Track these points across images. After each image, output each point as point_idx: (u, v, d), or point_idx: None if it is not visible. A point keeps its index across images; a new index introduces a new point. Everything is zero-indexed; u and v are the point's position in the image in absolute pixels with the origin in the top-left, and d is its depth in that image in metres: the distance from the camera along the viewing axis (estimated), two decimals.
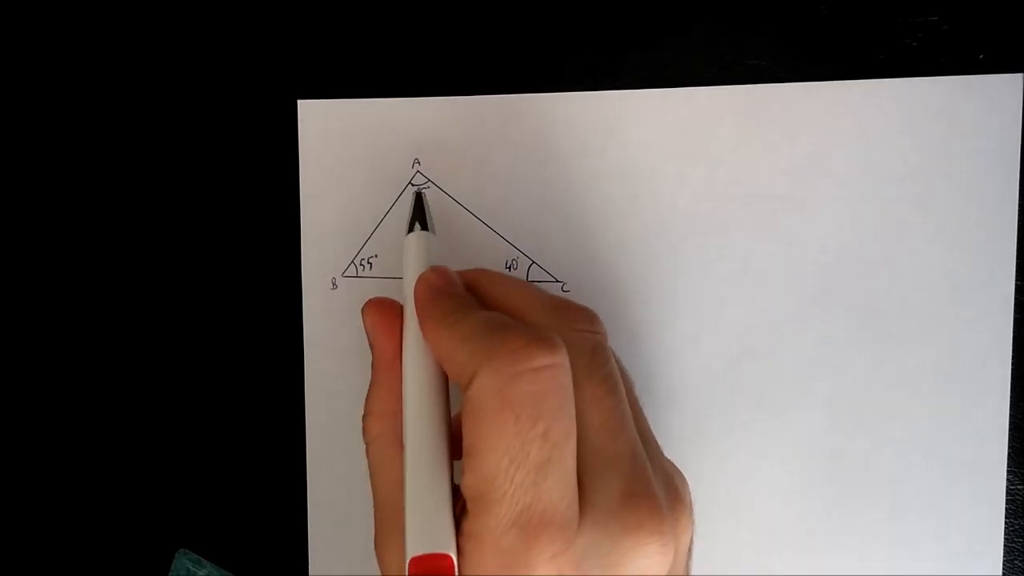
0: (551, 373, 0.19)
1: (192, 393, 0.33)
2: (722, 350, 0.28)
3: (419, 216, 0.25)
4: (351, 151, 0.30)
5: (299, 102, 0.31)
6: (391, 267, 0.30)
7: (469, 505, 0.19)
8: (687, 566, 0.22)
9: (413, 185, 0.29)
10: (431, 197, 0.30)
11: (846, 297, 0.27)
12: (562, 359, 0.19)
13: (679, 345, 0.28)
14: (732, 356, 0.28)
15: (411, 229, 0.25)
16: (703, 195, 0.28)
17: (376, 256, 0.30)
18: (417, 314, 0.22)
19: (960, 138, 0.26)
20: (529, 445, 0.18)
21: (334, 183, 0.31)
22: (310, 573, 0.31)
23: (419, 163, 0.30)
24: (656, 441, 0.23)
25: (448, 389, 0.22)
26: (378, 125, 0.30)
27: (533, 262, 0.29)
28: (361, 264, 0.31)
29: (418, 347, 0.22)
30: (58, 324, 0.34)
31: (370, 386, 0.23)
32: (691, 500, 0.22)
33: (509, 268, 0.29)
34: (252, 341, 0.32)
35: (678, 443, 0.28)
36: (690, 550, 0.22)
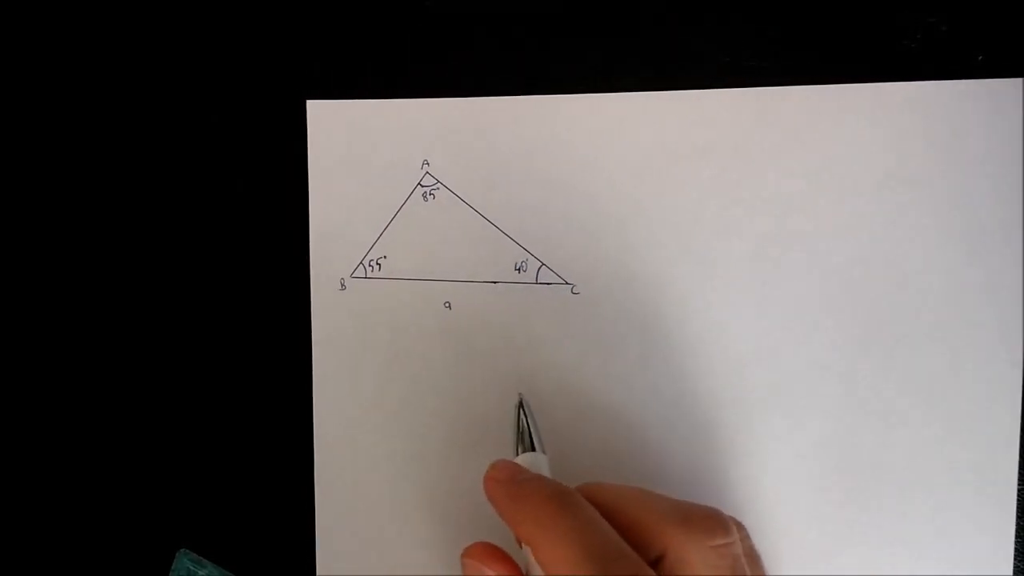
0: None
1: (198, 392, 0.33)
2: (731, 353, 0.28)
3: (528, 436, 0.24)
4: (360, 152, 0.30)
5: (308, 102, 0.31)
6: (400, 268, 0.30)
7: None
8: None
9: (519, 396, 0.26)
10: (440, 199, 0.30)
11: (855, 301, 0.27)
12: None
13: (688, 348, 0.28)
14: (741, 359, 0.28)
15: (520, 451, 0.24)
16: (712, 198, 0.28)
17: (385, 257, 0.30)
18: (498, 511, 0.22)
19: (967, 142, 0.26)
20: None
21: (343, 184, 0.31)
22: (318, 573, 0.31)
23: (428, 164, 0.30)
24: None
25: None
26: (387, 126, 0.30)
27: (543, 264, 0.29)
28: (370, 265, 0.31)
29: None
30: (63, 322, 0.34)
31: None
32: None
33: (518, 270, 0.29)
34: (260, 342, 0.32)
35: (687, 446, 0.28)
36: None
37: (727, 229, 0.28)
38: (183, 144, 0.32)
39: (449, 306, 0.30)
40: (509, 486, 0.21)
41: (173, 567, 0.32)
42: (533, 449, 0.23)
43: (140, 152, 0.33)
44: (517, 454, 0.24)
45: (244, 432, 0.32)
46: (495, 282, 0.29)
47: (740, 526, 0.22)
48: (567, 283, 0.29)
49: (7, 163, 0.34)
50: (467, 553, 0.22)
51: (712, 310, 0.28)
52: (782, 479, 0.28)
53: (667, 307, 0.28)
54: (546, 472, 0.23)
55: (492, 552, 0.22)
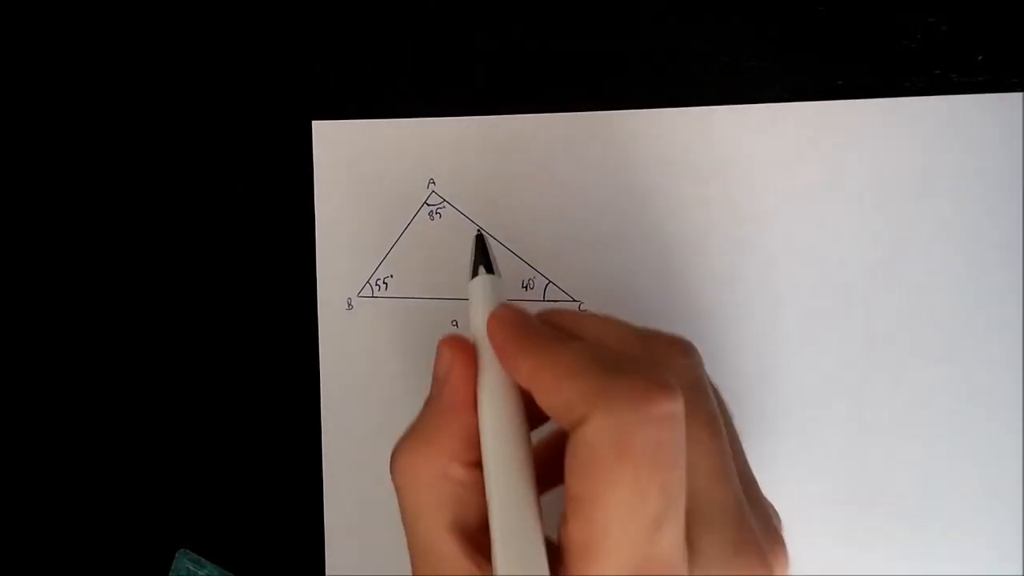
0: (671, 422, 0.17)
1: (203, 401, 0.33)
2: (740, 369, 0.28)
3: (483, 259, 0.24)
4: (366, 172, 0.31)
5: (314, 123, 0.31)
6: (406, 287, 0.30)
7: (571, 554, 0.18)
8: None
9: (476, 229, 0.27)
10: (446, 217, 0.30)
11: (863, 316, 0.27)
12: (681, 407, 0.18)
13: None
14: (750, 375, 0.28)
15: (475, 273, 0.23)
16: (719, 214, 0.28)
17: (391, 276, 0.30)
18: (502, 350, 0.21)
19: (975, 157, 0.26)
20: (646, 497, 0.17)
21: (349, 204, 0.31)
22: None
23: (434, 183, 0.30)
24: (753, 475, 0.22)
25: (528, 429, 0.20)
26: (393, 146, 0.30)
27: (550, 281, 0.29)
28: (376, 284, 0.31)
29: (498, 387, 0.20)
30: (67, 327, 0.34)
31: (423, 426, 0.21)
32: (785, 541, 0.21)
33: (525, 288, 0.29)
34: (268, 361, 0.32)
35: None
36: None
37: (735, 246, 0.28)
38: (190, 165, 0.33)
39: (456, 324, 0.30)
40: (515, 327, 0.21)
41: (173, 567, 0.32)
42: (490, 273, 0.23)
43: (148, 175, 0.33)
44: (472, 276, 0.24)
45: (246, 439, 0.33)
46: None
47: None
48: (574, 300, 0.29)
49: (22, 184, 0.34)
50: (444, 342, 0.22)
51: (721, 327, 0.28)
52: (793, 494, 0.28)
53: (675, 324, 0.28)
54: (502, 293, 0.23)
55: (463, 346, 0.21)
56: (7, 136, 0.34)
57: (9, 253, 0.35)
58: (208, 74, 0.32)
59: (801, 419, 0.28)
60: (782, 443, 0.28)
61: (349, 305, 0.31)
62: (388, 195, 0.30)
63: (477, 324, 0.22)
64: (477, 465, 0.20)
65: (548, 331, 0.21)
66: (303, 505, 0.32)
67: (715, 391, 0.22)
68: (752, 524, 0.19)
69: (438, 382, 0.22)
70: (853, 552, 0.28)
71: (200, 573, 0.32)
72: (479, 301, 0.23)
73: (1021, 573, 0.26)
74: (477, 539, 0.20)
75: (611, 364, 0.18)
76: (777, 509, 0.28)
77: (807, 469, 0.28)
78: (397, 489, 0.21)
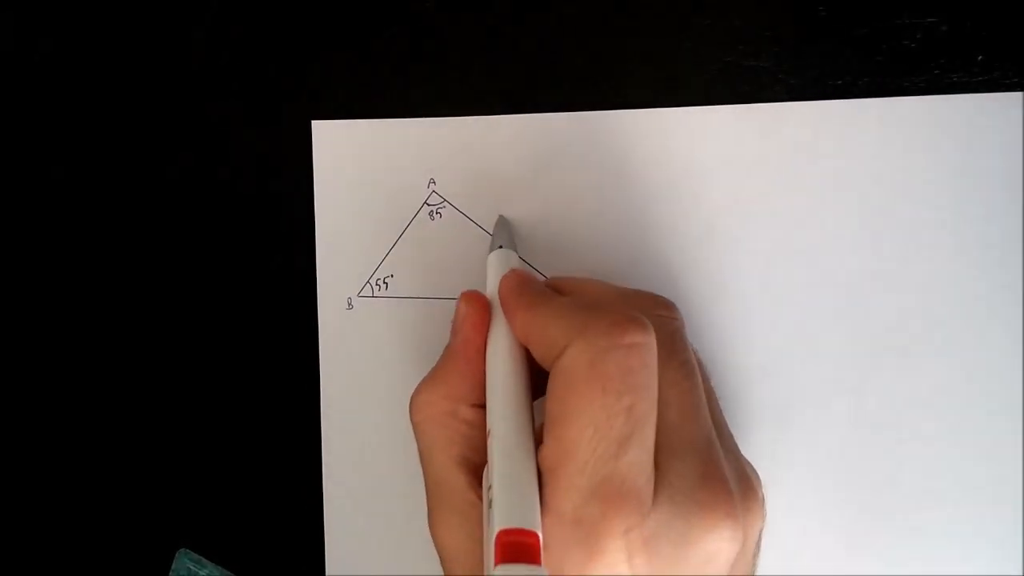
0: (641, 351, 0.19)
1: (205, 406, 0.33)
2: (740, 368, 0.28)
3: (503, 236, 0.27)
4: (366, 172, 0.31)
5: (313, 123, 0.31)
6: (407, 287, 0.30)
7: (545, 476, 0.19)
8: (755, 560, 0.22)
9: (500, 222, 0.29)
10: (447, 217, 0.30)
11: (864, 315, 0.27)
12: (651, 339, 0.19)
13: None
14: (750, 374, 0.28)
15: (494, 247, 0.27)
16: (721, 213, 0.28)
17: (392, 276, 0.30)
18: (505, 306, 0.23)
19: (974, 155, 0.26)
20: (614, 418, 0.18)
21: (349, 204, 0.31)
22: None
23: (434, 183, 0.30)
24: (731, 433, 0.23)
25: (531, 383, 0.22)
26: (393, 145, 0.30)
27: None
28: (377, 284, 0.31)
29: (506, 342, 0.23)
30: (67, 326, 0.34)
31: (438, 370, 0.24)
32: (764, 496, 0.22)
33: None
34: (268, 361, 0.32)
35: None
36: (759, 544, 0.22)
37: (735, 245, 0.28)
38: (190, 165, 0.33)
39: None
40: (518, 286, 0.23)
41: (173, 567, 0.33)
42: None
43: (148, 175, 0.33)
44: (492, 250, 0.27)
45: (246, 438, 0.33)
46: None
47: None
48: None
49: (22, 184, 0.34)
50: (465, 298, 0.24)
51: (722, 325, 0.28)
52: (793, 493, 0.28)
53: None
54: (517, 264, 0.26)
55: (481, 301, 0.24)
56: (8, 137, 0.34)
57: (9, 253, 0.35)
58: (208, 74, 0.32)
59: (801, 419, 0.28)
60: (781, 443, 0.28)
61: (349, 305, 0.31)
62: (388, 195, 0.30)
63: (493, 290, 0.24)
64: (483, 406, 0.22)
65: (545, 289, 0.23)
66: (303, 505, 0.32)
67: (694, 351, 0.23)
68: (721, 462, 0.20)
69: (453, 331, 0.24)
70: (853, 552, 0.28)
71: (200, 573, 0.32)
72: (495, 270, 0.25)
73: (1021, 573, 0.26)
74: (483, 472, 0.21)
75: (592, 306, 0.21)
76: (777, 509, 0.28)
77: (807, 469, 0.28)
78: (414, 426, 0.24)
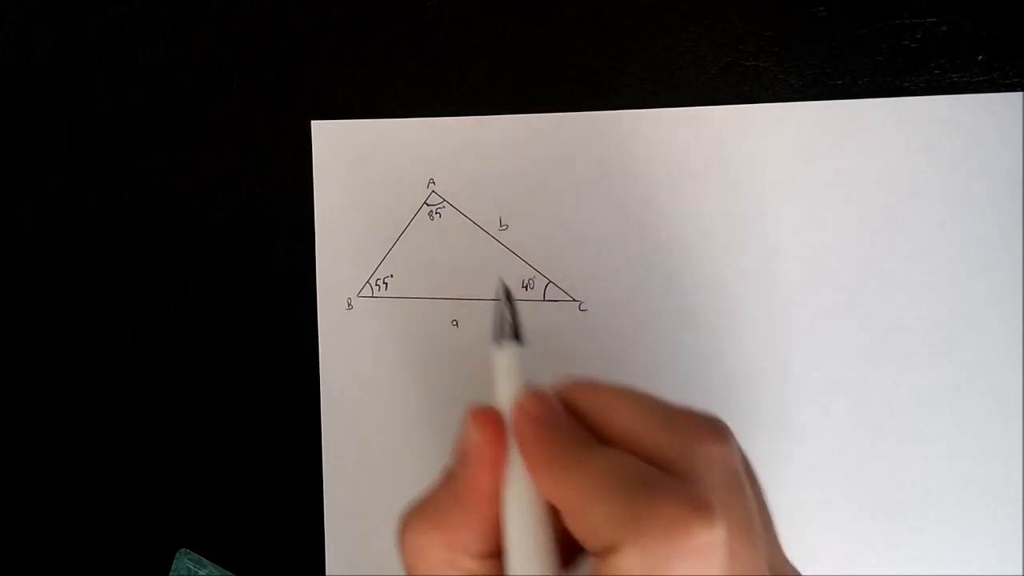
0: (711, 553, 0.16)
1: (206, 406, 0.33)
2: (740, 369, 0.28)
3: (509, 324, 0.21)
4: (366, 172, 0.30)
5: (313, 123, 0.31)
6: (406, 287, 0.30)
7: None
8: None
9: (502, 283, 0.23)
10: (446, 217, 0.30)
11: (864, 315, 0.27)
12: (720, 533, 0.16)
13: (697, 363, 0.28)
14: (750, 375, 0.28)
15: (502, 337, 0.21)
16: (721, 214, 0.28)
17: (391, 276, 0.30)
18: (524, 454, 0.19)
19: (975, 156, 0.26)
20: None
21: (349, 204, 0.31)
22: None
23: (434, 183, 0.30)
24: (783, 556, 0.21)
25: (551, 527, 0.19)
26: (392, 146, 0.30)
27: (550, 281, 0.29)
28: (376, 284, 0.31)
29: (526, 486, 0.19)
30: (72, 332, 0.34)
31: (437, 503, 0.19)
32: None
33: (526, 288, 0.29)
34: (268, 360, 0.32)
35: None
36: None
37: (736, 245, 0.28)
38: (190, 165, 0.32)
39: (456, 324, 0.30)
40: (539, 428, 0.19)
41: (173, 567, 0.33)
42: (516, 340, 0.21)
43: (148, 175, 0.33)
44: (497, 341, 0.21)
45: (247, 439, 0.33)
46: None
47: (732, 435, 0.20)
48: (575, 300, 0.29)
49: (23, 184, 0.34)
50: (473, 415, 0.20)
51: (721, 326, 0.28)
52: (792, 493, 0.28)
53: (676, 323, 0.28)
54: (529, 365, 0.21)
55: (493, 419, 0.19)
56: (7, 137, 0.34)
57: (10, 253, 0.35)
58: (208, 74, 0.32)
59: (801, 419, 0.28)
60: (782, 443, 0.28)
61: (349, 305, 0.31)
62: (388, 195, 0.30)
63: (503, 402, 0.20)
64: (489, 556, 0.19)
65: (574, 436, 0.19)
66: (303, 505, 0.32)
67: (747, 466, 0.20)
68: None
69: (461, 460, 0.19)
70: (853, 552, 0.28)
71: (200, 573, 0.32)
72: (505, 377, 0.20)
73: (1021, 573, 0.26)
74: None
75: (642, 483, 0.17)
76: (777, 509, 0.28)
77: (807, 469, 0.28)
78: (404, 563, 0.20)
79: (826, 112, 0.27)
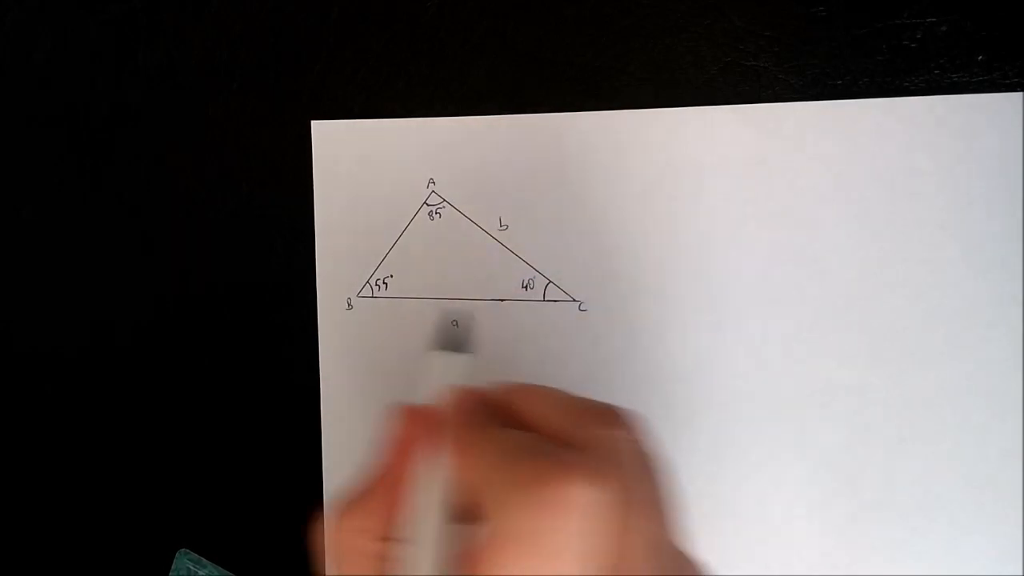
0: (590, 511, 0.17)
1: (205, 407, 0.33)
2: (740, 369, 0.28)
3: (447, 334, 0.23)
4: (366, 172, 0.30)
5: (313, 123, 0.31)
6: (406, 287, 0.30)
7: None
8: None
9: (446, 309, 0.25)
10: (446, 217, 0.30)
11: (864, 315, 0.27)
12: (606, 496, 0.17)
13: (697, 363, 0.28)
14: (750, 375, 0.28)
15: (437, 347, 0.23)
16: (720, 214, 0.28)
17: (391, 276, 0.30)
18: (441, 436, 0.21)
19: (975, 156, 0.26)
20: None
21: (349, 204, 0.31)
22: None
23: (434, 183, 0.30)
24: (677, 551, 0.21)
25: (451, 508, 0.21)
26: (392, 146, 0.30)
27: (550, 281, 0.29)
28: (376, 284, 0.31)
29: (437, 464, 0.21)
30: (72, 332, 0.34)
31: (359, 497, 0.22)
32: None
33: (526, 288, 0.29)
34: (268, 361, 0.32)
35: (697, 461, 0.28)
36: None
37: (736, 245, 0.28)
38: (191, 165, 0.32)
39: (456, 324, 0.30)
40: (458, 414, 0.21)
41: (173, 567, 0.33)
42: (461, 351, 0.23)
43: (148, 175, 0.33)
44: (435, 347, 0.23)
45: (246, 439, 0.33)
46: (502, 300, 0.29)
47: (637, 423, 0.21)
48: (574, 300, 0.29)
49: (23, 184, 0.34)
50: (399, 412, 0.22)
51: (721, 326, 0.28)
52: (792, 494, 0.28)
53: (675, 323, 0.28)
54: (467, 371, 0.23)
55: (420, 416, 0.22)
56: (7, 137, 0.34)
57: (10, 253, 0.35)
58: (208, 74, 0.32)
59: (801, 419, 0.28)
60: (782, 442, 0.28)
61: (349, 305, 0.31)
62: (388, 195, 0.30)
63: (428, 400, 0.22)
64: (389, 539, 0.20)
65: (484, 420, 0.21)
66: (303, 505, 0.32)
67: (654, 453, 0.21)
68: None
69: (385, 449, 0.22)
70: (853, 552, 0.28)
71: (200, 573, 0.32)
72: (436, 379, 0.23)
73: (1021, 573, 0.26)
74: None
75: (537, 451, 0.19)
76: (777, 509, 0.28)
77: (807, 469, 0.28)
78: (327, 559, 0.21)
79: (826, 112, 0.27)
